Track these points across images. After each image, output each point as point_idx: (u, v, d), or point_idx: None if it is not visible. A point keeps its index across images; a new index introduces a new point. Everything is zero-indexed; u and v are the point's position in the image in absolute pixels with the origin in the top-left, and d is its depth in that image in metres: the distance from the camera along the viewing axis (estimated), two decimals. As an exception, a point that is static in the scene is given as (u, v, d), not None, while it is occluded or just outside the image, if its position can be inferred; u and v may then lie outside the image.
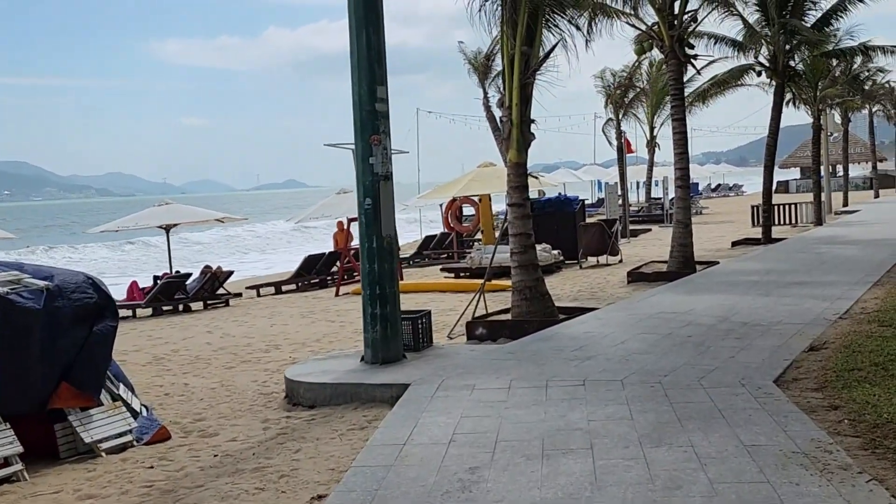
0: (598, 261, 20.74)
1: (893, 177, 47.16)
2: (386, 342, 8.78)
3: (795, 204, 29.03)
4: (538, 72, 11.65)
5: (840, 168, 43.21)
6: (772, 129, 22.71)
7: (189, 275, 19.33)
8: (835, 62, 28.31)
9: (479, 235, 25.06)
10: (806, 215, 28.79)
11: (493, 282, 16.10)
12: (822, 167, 31.22)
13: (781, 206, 28.44)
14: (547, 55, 11.72)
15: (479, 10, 11.46)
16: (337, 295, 18.97)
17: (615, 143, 32.40)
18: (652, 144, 40.95)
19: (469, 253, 20.31)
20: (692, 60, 16.80)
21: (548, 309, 11.68)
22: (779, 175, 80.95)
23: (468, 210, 26.29)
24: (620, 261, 20.68)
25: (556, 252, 19.72)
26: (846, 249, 18.61)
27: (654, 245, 25.52)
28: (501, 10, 11.37)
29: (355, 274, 20.58)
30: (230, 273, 20.18)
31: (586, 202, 32.81)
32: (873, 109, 44.17)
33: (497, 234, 12.31)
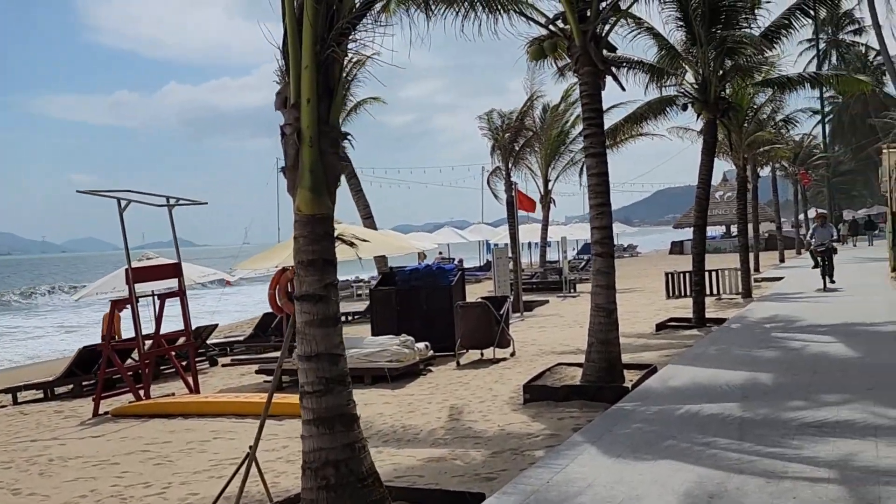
0: (482, 354, 15.03)
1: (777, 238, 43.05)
2: None
3: (718, 271, 24.09)
4: (353, 36, 5.92)
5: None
6: (702, 177, 17.55)
7: None
8: (762, 98, 23.97)
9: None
10: (731, 284, 23.93)
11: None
12: (748, 226, 26.58)
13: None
14: (369, 4, 5.97)
15: None
16: (95, 415, 12.54)
17: (504, 196, 27.02)
18: (546, 199, 35.79)
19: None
20: (612, 70, 11.37)
21: (370, 511, 5.78)
22: (672, 235, 77.80)
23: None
24: (512, 353, 15.03)
25: (421, 346, 13.88)
26: (824, 343, 13.25)
27: (555, 325, 19.99)
28: None
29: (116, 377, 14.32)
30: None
31: (475, 266, 27.64)
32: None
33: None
